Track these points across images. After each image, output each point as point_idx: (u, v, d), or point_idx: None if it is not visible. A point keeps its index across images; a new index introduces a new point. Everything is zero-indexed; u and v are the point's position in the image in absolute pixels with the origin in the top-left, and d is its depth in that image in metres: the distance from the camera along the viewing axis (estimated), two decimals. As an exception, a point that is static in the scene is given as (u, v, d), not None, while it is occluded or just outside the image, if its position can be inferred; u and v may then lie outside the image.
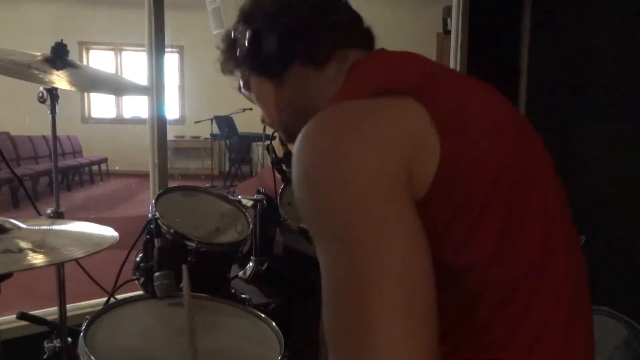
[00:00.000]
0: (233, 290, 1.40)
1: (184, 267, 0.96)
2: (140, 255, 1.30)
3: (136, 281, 1.29)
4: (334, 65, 0.73)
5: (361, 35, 0.77)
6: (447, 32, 2.50)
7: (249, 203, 1.48)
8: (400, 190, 0.52)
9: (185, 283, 0.93)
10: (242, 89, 0.85)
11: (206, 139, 7.94)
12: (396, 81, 0.62)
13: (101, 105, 8.95)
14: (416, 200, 0.54)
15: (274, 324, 1.06)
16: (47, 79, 1.15)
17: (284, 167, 1.47)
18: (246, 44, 0.75)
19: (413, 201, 0.53)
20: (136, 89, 1.55)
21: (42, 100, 1.24)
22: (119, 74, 8.18)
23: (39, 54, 1.22)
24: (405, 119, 0.57)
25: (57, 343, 1.23)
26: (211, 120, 7.19)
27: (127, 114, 8.97)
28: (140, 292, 1.23)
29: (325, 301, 0.52)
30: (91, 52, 8.75)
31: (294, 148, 0.56)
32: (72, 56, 1.25)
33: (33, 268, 0.76)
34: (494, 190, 0.58)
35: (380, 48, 0.75)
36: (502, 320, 0.58)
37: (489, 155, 0.60)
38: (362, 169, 0.51)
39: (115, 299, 1.30)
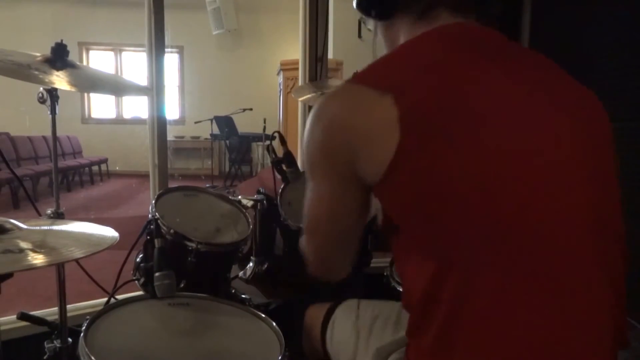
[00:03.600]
0: (233, 290, 1.40)
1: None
2: (141, 255, 1.31)
3: (136, 281, 1.29)
4: (424, 23, 0.76)
5: (461, 1, 0.77)
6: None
7: (249, 203, 1.48)
8: (331, 162, 0.72)
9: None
10: (365, 23, 0.93)
11: (206, 139, 7.94)
12: (379, 81, 0.68)
13: (101, 106, 8.94)
14: (372, 181, 0.68)
15: (274, 324, 1.06)
16: (47, 80, 1.15)
17: (284, 167, 1.47)
18: None
19: (351, 174, 0.70)
20: (136, 89, 1.55)
21: (42, 100, 1.24)
22: (119, 74, 8.18)
23: (38, 54, 1.22)
24: (363, 114, 0.67)
25: (57, 343, 1.23)
26: (211, 120, 7.19)
27: (127, 115, 8.97)
28: (140, 293, 1.23)
29: None
30: (91, 52, 8.75)
31: None
32: (72, 56, 1.26)
33: (33, 268, 0.76)
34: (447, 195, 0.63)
35: (453, 22, 0.76)
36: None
37: (469, 159, 0.62)
38: (316, 138, 0.73)
39: (116, 299, 1.30)
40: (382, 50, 0.86)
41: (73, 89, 1.20)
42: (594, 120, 0.72)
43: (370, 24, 0.88)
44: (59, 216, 1.26)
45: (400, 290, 1.34)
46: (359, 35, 4.08)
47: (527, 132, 0.64)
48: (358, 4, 0.82)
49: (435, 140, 0.63)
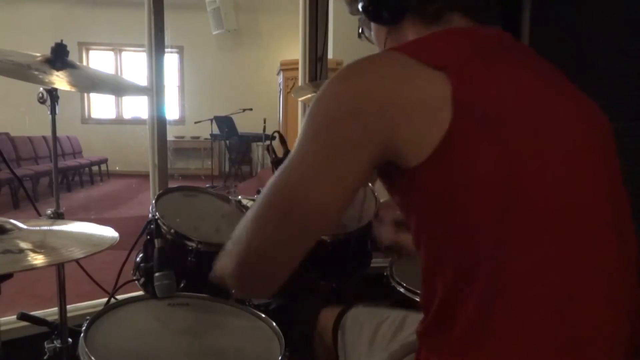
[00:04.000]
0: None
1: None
2: (141, 255, 1.30)
3: (136, 281, 1.29)
4: (437, 26, 0.74)
5: (473, 5, 0.75)
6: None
7: (249, 203, 1.48)
8: (353, 129, 0.62)
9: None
10: (360, 35, 0.91)
11: (206, 139, 7.94)
12: (431, 55, 0.64)
13: (101, 106, 8.95)
14: (408, 163, 0.62)
15: (274, 324, 1.06)
16: (47, 80, 1.15)
17: (284, 167, 1.47)
18: None
19: (371, 149, 0.62)
20: (136, 90, 1.56)
21: (42, 100, 1.24)
22: (119, 74, 8.18)
23: (38, 54, 1.22)
24: (413, 86, 0.61)
25: (57, 344, 1.23)
26: (211, 120, 7.19)
27: (127, 115, 8.97)
28: (140, 293, 1.23)
29: None
30: (91, 52, 8.75)
31: None
32: (72, 57, 1.26)
33: (33, 268, 0.76)
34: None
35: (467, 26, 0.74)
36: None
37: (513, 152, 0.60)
38: (342, 99, 0.64)
39: (116, 299, 1.30)
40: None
41: (73, 89, 1.20)
42: (601, 123, 0.72)
43: (372, 30, 0.85)
44: (59, 216, 1.26)
45: (401, 290, 1.34)
46: (359, 35, 4.08)
47: (559, 132, 0.65)
48: (365, 8, 0.79)
49: (485, 127, 0.60)
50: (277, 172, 0.67)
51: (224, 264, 0.74)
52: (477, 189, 0.60)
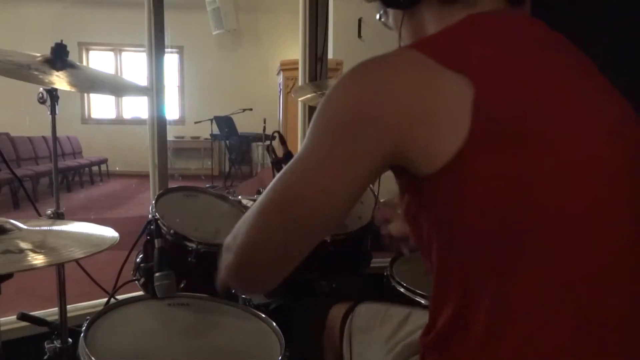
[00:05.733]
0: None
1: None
2: (141, 255, 1.31)
3: (136, 282, 1.29)
4: (459, 7, 0.67)
5: None
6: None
7: (249, 203, 1.48)
8: (364, 132, 0.58)
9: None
10: (381, 18, 0.84)
11: (206, 139, 7.95)
12: (451, 56, 0.59)
13: (101, 106, 8.95)
14: (421, 171, 0.58)
15: (274, 324, 1.06)
16: (46, 80, 1.15)
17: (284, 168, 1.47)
18: None
19: (381, 152, 0.59)
20: (136, 90, 1.55)
21: (42, 101, 1.24)
22: (119, 74, 8.18)
23: (38, 54, 1.22)
24: (430, 89, 0.57)
25: (57, 344, 1.23)
26: (211, 120, 7.20)
27: (127, 115, 8.98)
28: (140, 293, 1.23)
29: None
30: (91, 52, 8.75)
31: None
32: (72, 57, 1.26)
33: (33, 269, 0.76)
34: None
35: (494, 9, 0.67)
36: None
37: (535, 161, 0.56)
38: (354, 98, 0.60)
39: (116, 299, 1.30)
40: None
41: (73, 89, 1.20)
42: (629, 124, 0.67)
43: (389, 15, 0.79)
44: (59, 216, 1.26)
45: (401, 290, 1.34)
46: (359, 35, 4.07)
47: (588, 141, 0.59)
48: None
49: (508, 136, 0.55)
50: (281, 171, 0.65)
51: (225, 260, 0.72)
52: (487, 204, 0.57)
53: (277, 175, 0.66)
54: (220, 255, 0.74)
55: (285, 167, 0.65)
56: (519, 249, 0.57)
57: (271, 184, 0.66)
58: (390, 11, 0.78)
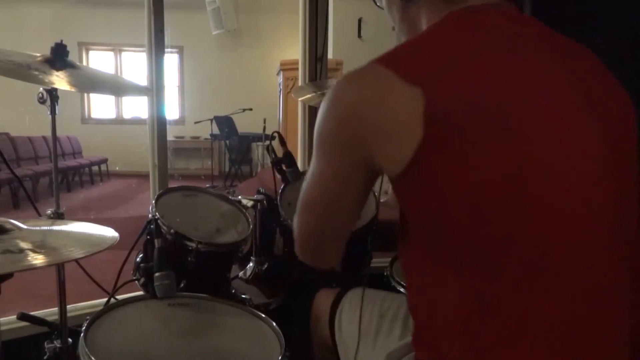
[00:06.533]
0: (233, 290, 1.40)
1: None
2: (141, 255, 1.31)
3: (136, 281, 1.29)
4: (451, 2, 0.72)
5: None
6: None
7: (249, 203, 1.48)
8: (342, 147, 0.69)
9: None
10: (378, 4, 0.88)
11: (206, 139, 7.94)
12: (409, 69, 0.65)
13: (101, 106, 8.94)
14: (390, 174, 0.67)
15: (274, 324, 1.06)
16: (46, 80, 1.15)
17: (284, 167, 1.47)
18: None
19: (361, 162, 0.69)
20: (136, 90, 1.55)
21: (42, 100, 1.24)
22: (119, 74, 8.17)
23: (38, 54, 1.22)
24: (386, 105, 0.64)
25: (57, 344, 1.23)
26: (211, 120, 7.19)
27: (127, 115, 8.97)
28: (140, 293, 1.23)
29: None
30: (91, 52, 8.75)
31: None
32: (72, 57, 1.25)
33: (33, 268, 0.76)
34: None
35: (482, 4, 0.71)
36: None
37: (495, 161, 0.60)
38: (330, 121, 0.70)
39: (116, 299, 1.30)
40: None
41: (73, 89, 1.20)
42: (622, 122, 0.69)
43: (387, 8, 0.83)
44: (59, 216, 1.26)
45: (401, 290, 1.34)
46: (359, 35, 4.08)
47: (558, 138, 0.62)
48: None
49: (460, 142, 0.60)
50: (307, 176, 0.77)
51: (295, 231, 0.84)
52: (450, 204, 0.62)
53: (306, 181, 0.78)
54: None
55: (308, 175, 0.77)
56: (484, 245, 0.61)
57: (303, 187, 0.79)
58: (386, 3, 0.83)
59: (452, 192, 0.61)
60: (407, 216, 0.70)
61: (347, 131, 0.68)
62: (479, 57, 0.64)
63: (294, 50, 2.87)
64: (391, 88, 0.63)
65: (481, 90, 0.62)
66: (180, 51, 8.57)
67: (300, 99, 2.08)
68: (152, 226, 1.20)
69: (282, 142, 1.53)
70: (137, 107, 8.79)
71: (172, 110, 8.64)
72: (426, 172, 0.62)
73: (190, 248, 1.21)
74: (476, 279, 0.62)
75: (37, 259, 0.78)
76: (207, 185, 1.56)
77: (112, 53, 8.82)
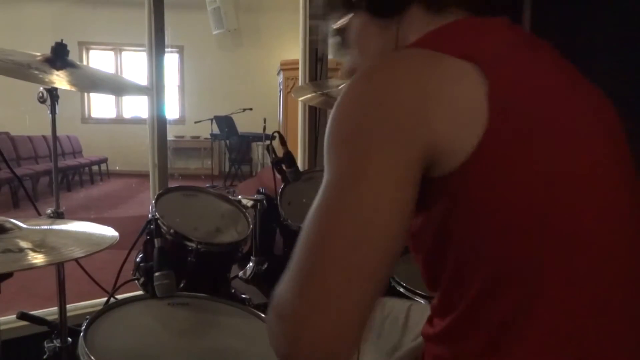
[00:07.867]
0: (233, 290, 1.40)
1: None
2: (141, 255, 1.31)
3: (136, 281, 1.29)
4: (440, 18, 0.65)
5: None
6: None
7: (249, 203, 1.48)
8: (397, 159, 0.52)
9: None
10: (333, 36, 0.77)
11: (206, 139, 7.94)
12: (460, 46, 0.57)
13: (101, 105, 8.94)
14: (442, 170, 0.53)
15: (274, 323, 1.06)
16: (47, 79, 1.15)
17: (284, 167, 1.47)
18: None
19: (420, 157, 0.52)
20: (136, 89, 1.55)
21: (42, 100, 1.24)
22: (119, 74, 8.18)
23: (39, 54, 1.22)
24: (447, 79, 0.54)
25: (57, 343, 1.23)
26: (211, 120, 7.20)
27: (127, 114, 8.97)
28: (140, 292, 1.23)
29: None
30: (91, 52, 8.75)
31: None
32: (72, 56, 1.26)
33: (33, 268, 0.76)
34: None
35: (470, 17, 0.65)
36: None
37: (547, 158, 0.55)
38: (371, 101, 0.54)
39: (116, 299, 1.30)
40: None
41: (73, 89, 1.20)
42: (615, 121, 0.68)
43: (357, 34, 0.71)
44: (59, 216, 1.26)
45: (401, 290, 1.34)
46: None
47: (581, 147, 0.58)
48: None
49: (525, 133, 0.54)
50: (321, 208, 0.53)
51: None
52: (512, 201, 0.54)
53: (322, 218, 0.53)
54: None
55: (323, 206, 0.53)
56: (541, 247, 0.56)
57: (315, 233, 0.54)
58: (360, 28, 0.71)
59: (510, 193, 0.53)
60: (445, 222, 0.58)
61: (398, 102, 0.53)
62: (513, 54, 0.59)
63: (294, 50, 2.87)
64: (445, 63, 0.55)
65: (531, 79, 0.58)
66: (181, 51, 8.57)
67: (300, 99, 2.08)
68: (152, 226, 1.20)
69: (282, 142, 1.53)
70: (137, 107, 8.79)
71: (172, 110, 8.64)
72: (489, 164, 0.53)
73: (190, 248, 1.21)
74: (523, 290, 0.56)
75: (37, 259, 0.78)
76: (207, 185, 1.56)
77: (112, 52, 8.81)
